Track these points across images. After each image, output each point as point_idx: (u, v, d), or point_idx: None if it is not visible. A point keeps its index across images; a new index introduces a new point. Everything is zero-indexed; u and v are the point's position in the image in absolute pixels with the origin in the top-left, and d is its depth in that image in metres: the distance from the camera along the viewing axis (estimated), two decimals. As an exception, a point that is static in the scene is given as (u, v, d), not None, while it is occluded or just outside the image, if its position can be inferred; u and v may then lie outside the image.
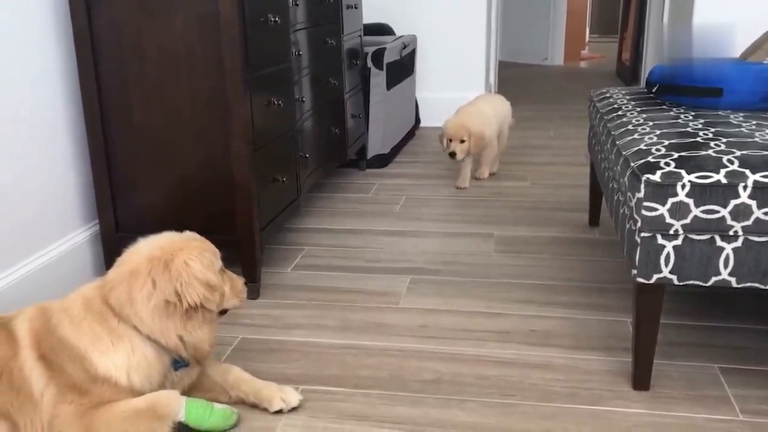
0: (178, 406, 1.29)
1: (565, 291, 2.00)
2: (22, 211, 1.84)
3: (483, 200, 2.86)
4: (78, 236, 2.06)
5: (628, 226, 1.48)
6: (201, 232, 1.42)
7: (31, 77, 1.86)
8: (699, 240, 1.36)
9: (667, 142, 1.49)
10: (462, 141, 2.94)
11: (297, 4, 2.31)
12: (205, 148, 1.92)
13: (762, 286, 1.37)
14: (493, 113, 3.15)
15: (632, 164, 1.43)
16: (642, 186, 1.35)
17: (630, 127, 1.71)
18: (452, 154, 2.95)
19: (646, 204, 1.35)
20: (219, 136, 1.90)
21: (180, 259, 1.29)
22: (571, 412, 1.43)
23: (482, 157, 3.13)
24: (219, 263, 1.38)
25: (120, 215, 2.03)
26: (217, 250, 1.39)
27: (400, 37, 3.83)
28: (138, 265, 1.29)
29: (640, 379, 1.49)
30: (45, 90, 1.92)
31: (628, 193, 1.42)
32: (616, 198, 1.67)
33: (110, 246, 2.02)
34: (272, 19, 2.00)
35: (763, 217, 1.31)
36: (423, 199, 2.89)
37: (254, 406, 1.44)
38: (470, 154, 3.01)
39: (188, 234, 1.39)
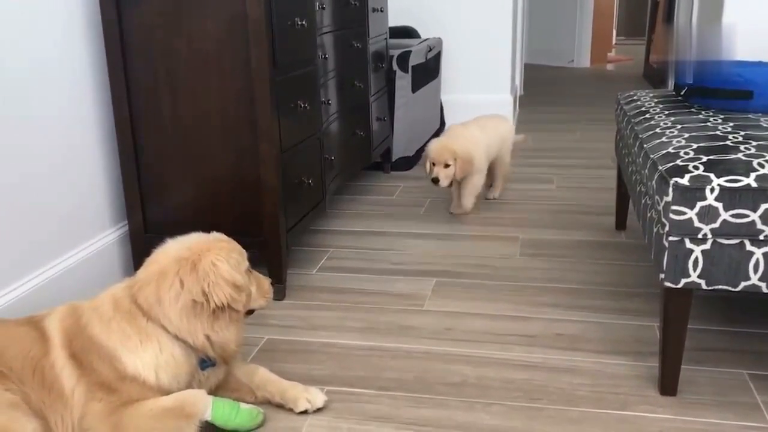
0: (205, 405, 1.30)
1: (591, 295, 1.98)
2: (52, 211, 1.87)
3: (508, 203, 2.85)
4: (107, 237, 2.09)
5: (655, 230, 1.47)
6: (228, 233, 1.44)
7: (60, 76, 1.89)
8: (728, 244, 1.34)
9: (695, 146, 1.47)
10: (447, 165, 2.59)
11: (323, 8, 2.32)
12: (233, 150, 1.94)
13: (793, 292, 1.35)
14: (485, 136, 2.75)
15: (660, 167, 1.41)
16: (670, 189, 1.34)
17: (658, 130, 1.69)
18: (435, 180, 2.60)
19: (674, 208, 1.34)
20: (246, 137, 1.91)
21: (207, 259, 1.31)
22: (597, 417, 1.42)
23: (465, 189, 2.70)
24: (246, 264, 1.39)
25: (149, 216, 2.06)
26: (244, 251, 1.41)
27: (426, 40, 3.83)
28: (166, 266, 1.31)
29: (668, 385, 1.48)
30: (74, 89, 1.95)
31: (656, 197, 1.41)
32: (643, 201, 1.65)
33: (139, 246, 2.05)
34: (299, 23, 2.02)
35: (794, 221, 1.29)
36: (447, 201, 2.89)
37: (280, 407, 1.46)
38: (455, 180, 2.66)
39: (216, 235, 1.40)
